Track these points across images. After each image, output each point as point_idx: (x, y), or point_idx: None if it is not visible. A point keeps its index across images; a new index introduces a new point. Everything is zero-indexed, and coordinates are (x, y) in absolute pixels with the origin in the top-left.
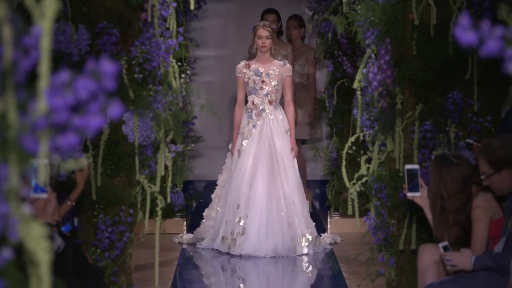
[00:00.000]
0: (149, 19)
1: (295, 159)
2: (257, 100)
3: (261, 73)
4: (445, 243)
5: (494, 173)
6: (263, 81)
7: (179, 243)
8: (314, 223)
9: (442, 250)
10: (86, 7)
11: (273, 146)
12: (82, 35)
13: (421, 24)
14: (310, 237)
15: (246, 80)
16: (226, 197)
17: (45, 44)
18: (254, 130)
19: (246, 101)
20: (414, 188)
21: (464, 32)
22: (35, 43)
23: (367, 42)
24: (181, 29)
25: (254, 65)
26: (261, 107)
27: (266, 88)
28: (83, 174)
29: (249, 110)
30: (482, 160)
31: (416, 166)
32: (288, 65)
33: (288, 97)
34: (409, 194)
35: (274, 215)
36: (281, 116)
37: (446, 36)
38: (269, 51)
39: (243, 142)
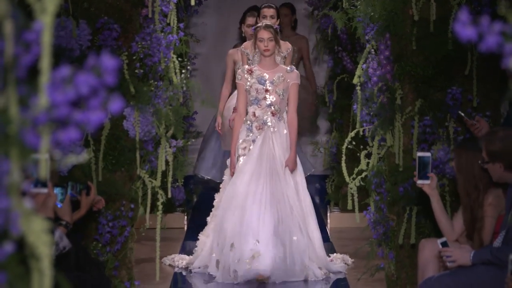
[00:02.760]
0: (150, 15)
1: (303, 177)
2: (258, 112)
3: (265, 81)
4: (444, 239)
5: (489, 162)
6: (266, 90)
7: (170, 265)
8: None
9: (440, 246)
10: (87, 3)
11: (276, 165)
12: (83, 31)
13: (421, 20)
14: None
15: (247, 88)
16: (221, 220)
17: (46, 39)
18: (253, 145)
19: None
20: (425, 176)
21: (464, 27)
22: (36, 39)
23: (367, 37)
24: (181, 25)
25: (257, 71)
26: (262, 120)
27: (270, 98)
28: (88, 199)
29: (249, 122)
30: (483, 145)
31: (428, 154)
32: (296, 72)
33: (292, 107)
34: (419, 182)
35: (284, 239)
36: (285, 131)
37: (446, 31)
38: (274, 54)
39: (240, 159)
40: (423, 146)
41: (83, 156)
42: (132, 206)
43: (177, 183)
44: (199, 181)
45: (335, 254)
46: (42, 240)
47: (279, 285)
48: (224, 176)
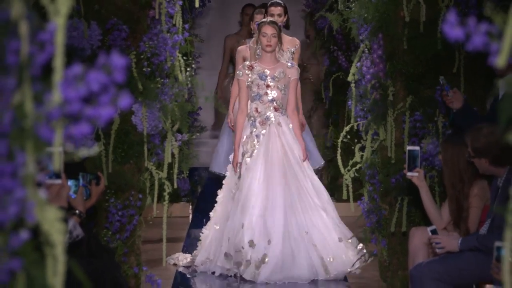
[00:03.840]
0: (157, 16)
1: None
2: (261, 107)
3: (266, 76)
4: (433, 227)
5: (475, 157)
6: (267, 86)
7: (174, 264)
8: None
9: (430, 233)
10: (97, 5)
11: (284, 154)
12: (94, 31)
13: (412, 21)
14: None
15: (248, 83)
16: (228, 213)
17: (59, 39)
18: (259, 141)
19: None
20: (415, 168)
21: (452, 28)
22: (50, 39)
23: (361, 37)
24: (186, 26)
25: (258, 66)
26: (266, 115)
27: (272, 94)
28: (99, 189)
29: (252, 118)
30: (468, 142)
31: (417, 148)
32: (296, 67)
33: (292, 103)
34: (409, 174)
35: (295, 236)
36: (290, 125)
37: (435, 32)
38: (275, 51)
39: (246, 157)
40: (413, 140)
41: (94, 149)
42: (140, 196)
43: (182, 175)
44: (203, 172)
45: None
46: (56, 228)
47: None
48: (227, 172)
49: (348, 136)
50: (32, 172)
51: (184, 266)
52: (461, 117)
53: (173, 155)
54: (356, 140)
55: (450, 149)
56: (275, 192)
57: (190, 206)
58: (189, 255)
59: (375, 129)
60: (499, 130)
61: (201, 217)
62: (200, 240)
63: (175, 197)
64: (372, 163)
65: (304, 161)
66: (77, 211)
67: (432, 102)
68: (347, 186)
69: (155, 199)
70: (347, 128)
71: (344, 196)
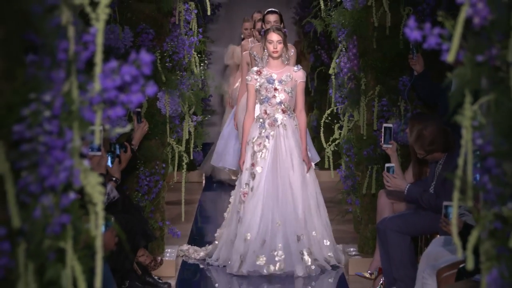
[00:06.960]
0: (177, 22)
1: (312, 172)
2: (269, 109)
3: (274, 80)
4: (391, 164)
5: (428, 155)
6: (275, 89)
7: (185, 255)
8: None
9: (385, 169)
10: (130, 13)
11: (291, 162)
12: (127, 34)
13: (379, 26)
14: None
15: (257, 87)
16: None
17: (99, 40)
18: (268, 141)
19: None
20: (388, 141)
21: (411, 31)
22: (92, 40)
23: (339, 39)
24: (200, 30)
25: (266, 71)
26: (274, 117)
27: (279, 96)
28: (126, 155)
29: (261, 120)
30: (417, 146)
31: (391, 125)
32: (302, 71)
33: (300, 104)
34: (384, 146)
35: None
36: (295, 124)
37: (398, 34)
38: (281, 56)
39: (258, 155)
40: (381, 120)
41: (127, 128)
42: (164, 165)
43: (197, 148)
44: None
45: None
46: (97, 190)
47: (278, 279)
48: (239, 175)
49: (329, 118)
50: (78, 146)
51: (196, 259)
52: (420, 80)
53: (189, 132)
54: (335, 121)
55: (416, 124)
56: (277, 196)
57: (203, 174)
58: (198, 248)
59: (350, 112)
60: (432, 125)
61: (211, 183)
62: (216, 242)
63: (191, 166)
64: (348, 139)
65: (306, 168)
66: (113, 178)
67: (396, 91)
68: (328, 157)
69: (175, 168)
70: (328, 111)
71: (326, 166)
